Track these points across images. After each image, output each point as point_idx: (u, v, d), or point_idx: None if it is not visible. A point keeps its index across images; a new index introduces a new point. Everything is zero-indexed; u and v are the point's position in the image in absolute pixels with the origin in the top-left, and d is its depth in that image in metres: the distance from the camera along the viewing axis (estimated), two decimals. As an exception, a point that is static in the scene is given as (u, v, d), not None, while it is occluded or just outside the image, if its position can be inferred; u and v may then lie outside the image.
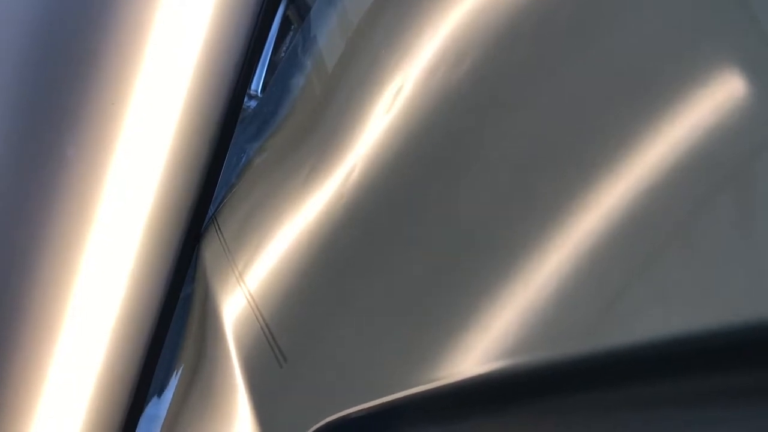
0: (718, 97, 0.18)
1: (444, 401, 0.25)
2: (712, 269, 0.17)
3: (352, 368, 0.30)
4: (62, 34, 0.56)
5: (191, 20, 0.56)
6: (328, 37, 0.56)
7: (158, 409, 0.58)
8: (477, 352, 0.23)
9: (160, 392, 0.60)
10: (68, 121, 0.56)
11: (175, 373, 0.58)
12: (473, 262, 0.25)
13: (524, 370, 0.21)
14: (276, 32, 1.02)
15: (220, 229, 0.58)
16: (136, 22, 0.55)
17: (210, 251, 0.57)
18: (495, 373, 0.22)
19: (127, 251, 0.58)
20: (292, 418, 0.33)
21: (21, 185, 0.57)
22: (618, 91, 0.21)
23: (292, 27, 0.94)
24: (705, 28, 0.19)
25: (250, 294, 0.43)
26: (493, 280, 0.23)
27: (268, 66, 1.03)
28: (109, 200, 0.57)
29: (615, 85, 0.22)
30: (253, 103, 0.86)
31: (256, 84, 1.03)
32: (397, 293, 0.29)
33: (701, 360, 0.18)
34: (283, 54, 0.99)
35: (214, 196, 0.62)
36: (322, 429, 0.30)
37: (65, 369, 0.59)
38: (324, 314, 0.35)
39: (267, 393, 0.37)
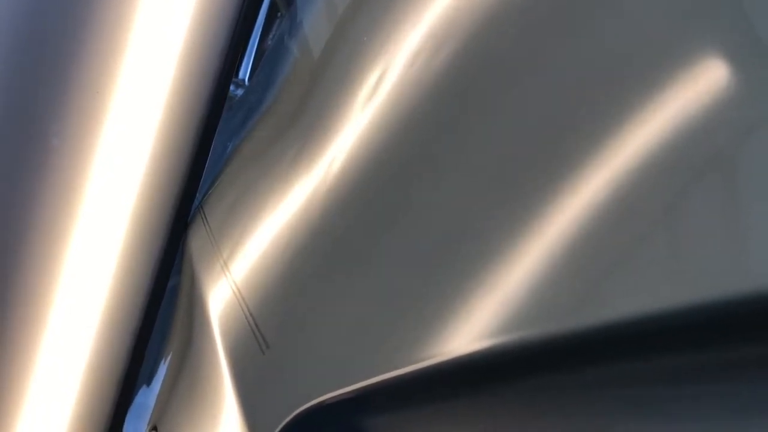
0: (699, 84, 0.18)
1: (427, 382, 0.26)
2: (693, 250, 0.17)
3: (334, 352, 0.31)
4: (46, 23, 0.55)
5: (176, 8, 0.55)
6: (314, 23, 0.56)
7: (147, 398, 0.59)
8: (461, 334, 0.23)
9: (149, 381, 0.60)
10: (52, 111, 0.55)
11: (163, 361, 0.58)
12: (458, 246, 0.25)
13: (508, 349, 0.21)
14: (263, 20, 1.01)
15: (206, 217, 0.58)
16: (120, 10, 0.54)
17: (196, 240, 0.57)
18: (479, 353, 0.22)
19: (113, 241, 0.58)
20: (274, 404, 0.33)
21: (5, 176, 0.57)
22: (601, 78, 0.21)
23: (279, 14, 0.94)
24: (687, 18, 0.19)
25: (235, 282, 0.43)
26: (477, 262, 0.23)
27: (255, 54, 1.02)
28: (94, 190, 0.57)
29: (598, 72, 0.22)
30: (240, 92, 0.85)
31: (244, 72, 1.02)
32: (382, 278, 0.29)
33: (682, 337, 0.18)
34: (270, 42, 0.98)
35: (200, 185, 0.62)
36: (304, 413, 0.30)
37: (52, 360, 0.59)
38: (307, 300, 0.35)
39: (250, 380, 0.38)
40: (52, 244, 0.57)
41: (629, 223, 0.19)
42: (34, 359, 0.59)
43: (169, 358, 0.57)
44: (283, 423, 0.31)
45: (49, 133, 0.56)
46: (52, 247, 0.57)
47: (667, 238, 0.18)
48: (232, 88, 0.67)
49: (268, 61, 0.71)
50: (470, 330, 0.23)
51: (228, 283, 0.44)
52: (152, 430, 0.53)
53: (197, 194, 0.62)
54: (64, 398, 0.60)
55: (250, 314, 0.39)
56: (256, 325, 0.38)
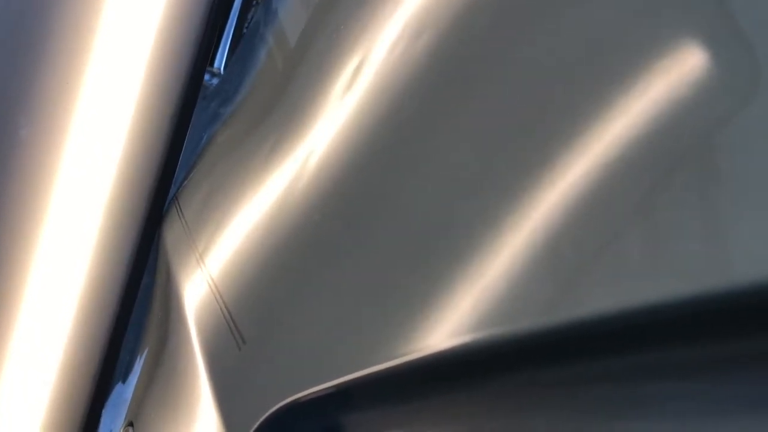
0: (676, 77, 0.18)
1: (406, 378, 0.25)
2: (669, 246, 0.17)
3: (311, 349, 0.30)
4: (13, 9, 0.54)
5: (148, -5, 0.54)
6: (290, 12, 0.55)
7: (123, 393, 0.58)
8: (438, 329, 0.23)
9: (125, 376, 0.59)
10: (20, 102, 0.54)
11: (139, 356, 0.57)
12: (437, 241, 0.25)
13: (488, 345, 0.21)
14: (239, 7, 1.00)
15: (181, 209, 0.57)
16: (89, -3, 0.53)
17: (171, 233, 0.57)
18: (458, 348, 0.22)
19: (86, 234, 0.57)
20: (251, 400, 0.33)
21: (-29, 168, 0.55)
22: (579, 70, 0.21)
23: (255, 2, 0.93)
24: (665, 11, 0.19)
25: (210, 276, 0.42)
26: (455, 257, 0.23)
27: (230, 42, 1.01)
28: (65, 182, 0.55)
29: (575, 64, 0.21)
30: (215, 81, 0.84)
31: (219, 61, 1.01)
32: (359, 272, 0.29)
33: (659, 333, 0.18)
34: (245, 30, 0.97)
35: (175, 176, 0.61)
36: (281, 410, 0.30)
37: (26, 356, 0.58)
38: (283, 295, 0.34)
39: (226, 376, 0.37)
40: (23, 237, 0.56)
41: (609, 219, 0.19)
42: (6, 354, 0.58)
43: (145, 353, 0.56)
44: (261, 420, 0.31)
45: (18, 124, 0.54)
46: (22, 241, 0.56)
47: (646, 233, 0.18)
48: (206, 77, 0.66)
49: (244, 50, 0.70)
50: (449, 325, 0.22)
51: (204, 277, 0.43)
52: (128, 426, 0.52)
53: (172, 186, 0.61)
54: (39, 394, 0.59)
55: (226, 309, 0.39)
56: (233, 320, 0.37)
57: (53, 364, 0.59)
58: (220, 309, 0.39)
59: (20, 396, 0.59)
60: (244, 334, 0.36)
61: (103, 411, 0.62)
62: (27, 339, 0.58)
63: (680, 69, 0.18)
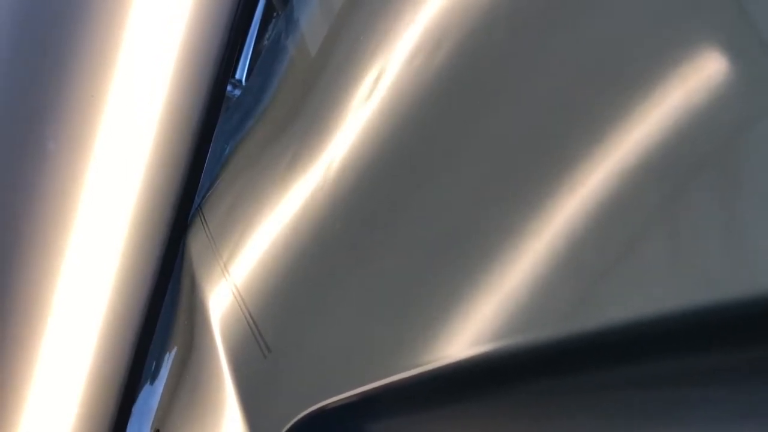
0: (696, 81, 0.18)
1: (429, 385, 0.25)
2: (690, 252, 0.17)
3: (336, 356, 0.30)
4: (40, 25, 0.55)
5: (171, 8, 0.55)
6: (311, 23, 0.56)
7: (149, 401, 0.58)
8: (460, 338, 0.23)
9: (151, 384, 0.60)
10: (48, 115, 0.55)
11: (165, 364, 0.58)
12: (456, 249, 0.25)
13: (509, 353, 0.21)
14: (259, 20, 1.01)
15: (205, 219, 0.58)
16: (115, 12, 0.54)
17: (196, 242, 0.57)
18: (480, 356, 0.22)
19: (112, 244, 0.58)
20: (277, 408, 0.33)
21: (1, 180, 0.56)
22: (598, 76, 0.21)
23: (276, 14, 0.94)
24: (684, 15, 0.19)
25: (235, 284, 0.43)
26: (476, 265, 0.23)
27: (252, 54, 1.02)
28: (91, 193, 0.56)
29: (594, 70, 0.21)
30: (237, 92, 0.85)
31: (241, 72, 1.02)
32: (381, 281, 0.29)
33: (681, 340, 0.18)
34: (266, 42, 0.98)
35: (199, 187, 0.62)
36: (306, 418, 0.30)
37: (55, 364, 0.59)
38: (307, 303, 0.35)
39: (252, 383, 0.37)
40: (51, 248, 0.57)
41: (628, 226, 0.19)
42: (36, 363, 0.59)
43: (171, 361, 0.57)
44: (286, 427, 0.31)
45: (45, 136, 0.56)
46: (51, 252, 0.57)
47: (666, 239, 0.18)
48: (229, 88, 0.67)
49: (265, 62, 0.71)
50: (471, 333, 0.22)
51: (228, 286, 0.44)
52: (155, 433, 0.53)
53: (196, 196, 0.62)
54: (67, 401, 0.60)
55: (251, 317, 0.39)
56: (257, 329, 0.38)
57: (81, 372, 0.60)
58: (245, 317, 0.40)
59: (48, 404, 0.60)
60: (269, 342, 0.36)
61: (130, 418, 0.63)
62: (55, 347, 0.59)
63: (701, 74, 0.18)
